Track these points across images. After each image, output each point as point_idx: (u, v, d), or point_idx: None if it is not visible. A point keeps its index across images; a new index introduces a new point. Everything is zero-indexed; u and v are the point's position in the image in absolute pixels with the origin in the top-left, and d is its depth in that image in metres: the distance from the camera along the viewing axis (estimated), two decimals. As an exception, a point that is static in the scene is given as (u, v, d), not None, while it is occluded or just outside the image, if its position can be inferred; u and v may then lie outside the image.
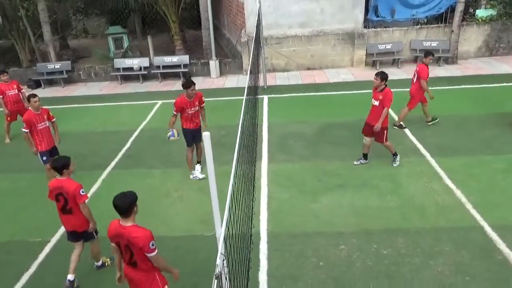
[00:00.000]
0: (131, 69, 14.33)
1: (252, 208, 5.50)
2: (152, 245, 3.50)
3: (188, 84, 6.72)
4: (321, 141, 8.53)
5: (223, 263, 2.29)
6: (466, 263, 4.97)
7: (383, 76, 6.72)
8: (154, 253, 3.56)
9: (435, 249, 5.20)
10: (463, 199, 6.18)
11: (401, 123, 8.96)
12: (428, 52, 8.60)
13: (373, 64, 14.02)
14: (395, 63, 14.13)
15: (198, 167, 7.39)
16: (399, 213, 6.00)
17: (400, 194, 6.48)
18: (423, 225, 5.69)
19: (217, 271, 2.10)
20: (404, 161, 7.40)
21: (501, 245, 5.20)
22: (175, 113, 6.88)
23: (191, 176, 7.30)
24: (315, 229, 5.75)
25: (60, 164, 4.71)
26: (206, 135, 2.39)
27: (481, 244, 5.26)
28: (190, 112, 6.91)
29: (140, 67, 14.30)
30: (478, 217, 5.78)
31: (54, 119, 7.12)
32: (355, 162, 7.38)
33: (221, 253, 2.28)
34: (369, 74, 13.37)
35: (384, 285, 4.70)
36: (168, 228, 5.96)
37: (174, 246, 5.56)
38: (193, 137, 7.09)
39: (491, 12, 13.95)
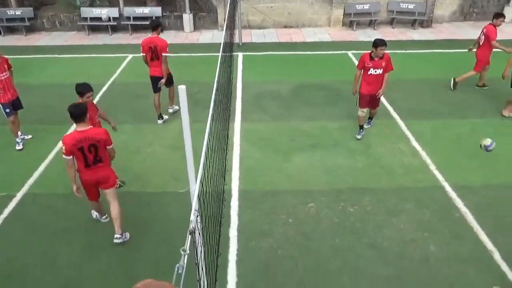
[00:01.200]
0: (99, 19, 13.56)
1: (225, 165, 5.54)
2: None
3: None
4: (296, 101, 8.53)
5: (196, 219, 2.31)
6: (427, 220, 5.26)
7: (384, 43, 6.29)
8: (112, 145, 4.45)
9: (398, 208, 5.47)
10: (428, 161, 6.44)
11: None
12: (499, 14, 8.31)
13: (350, 24, 13.89)
14: (371, 24, 14.04)
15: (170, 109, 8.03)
16: (367, 173, 6.20)
17: (369, 154, 6.66)
18: (389, 184, 5.92)
19: (191, 227, 2.13)
20: (375, 123, 7.56)
21: (459, 204, 5.52)
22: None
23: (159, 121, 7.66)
24: (286, 188, 5.88)
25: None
26: (182, 89, 2.32)
27: (442, 203, 5.56)
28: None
29: (109, 18, 13.55)
30: (440, 177, 6.06)
31: (11, 68, 6.68)
32: (358, 137, 7.04)
33: (195, 210, 2.29)
34: (346, 35, 13.30)
35: (349, 240, 4.93)
36: (140, 184, 5.94)
37: (146, 201, 5.58)
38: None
39: (469, -24, 13.92)
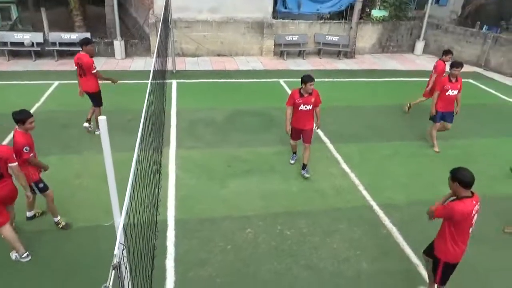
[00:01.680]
0: (21, 44, 12.75)
1: (158, 195, 5.37)
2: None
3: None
4: (230, 128, 8.62)
5: (122, 253, 2.20)
6: (358, 238, 5.51)
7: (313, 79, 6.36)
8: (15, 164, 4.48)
9: (332, 228, 5.67)
10: (357, 182, 6.81)
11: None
12: (447, 51, 8.94)
13: (281, 54, 14.53)
14: (301, 54, 14.82)
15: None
16: (302, 196, 6.38)
17: (303, 178, 6.88)
18: (323, 206, 6.14)
19: (115, 261, 2.01)
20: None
21: (386, 221, 5.87)
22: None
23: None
24: (223, 214, 5.84)
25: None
26: (101, 120, 2.24)
27: (370, 221, 5.87)
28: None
29: (33, 43, 12.81)
30: (368, 197, 6.42)
31: None
32: (291, 161, 7.22)
33: (120, 243, 2.18)
34: (277, 63, 13.87)
35: (286, 263, 4.98)
36: (69, 218, 5.52)
37: (75, 238, 5.19)
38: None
39: (384, 13, 15.39)
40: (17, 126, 4.84)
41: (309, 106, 6.47)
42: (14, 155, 4.51)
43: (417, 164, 7.52)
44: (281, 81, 11.91)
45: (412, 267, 5.05)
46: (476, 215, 3.87)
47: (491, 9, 17.58)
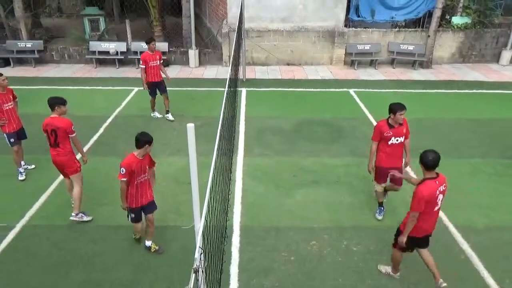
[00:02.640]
0: (107, 53, 13.92)
1: (228, 201, 5.50)
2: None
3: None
4: (298, 137, 8.60)
5: (200, 257, 2.28)
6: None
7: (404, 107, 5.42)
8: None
9: (402, 247, 5.37)
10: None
11: None
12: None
13: (352, 63, 14.22)
14: (372, 63, 14.38)
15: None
16: (369, 211, 6.15)
17: (370, 191, 6.63)
18: (392, 223, 5.83)
19: (195, 265, 2.09)
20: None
21: (464, 245, 5.43)
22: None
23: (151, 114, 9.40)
24: (288, 224, 5.82)
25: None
26: (190, 127, 2.36)
27: (446, 244, 5.47)
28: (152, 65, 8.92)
29: (117, 52, 13.92)
30: (444, 217, 6.00)
31: (16, 98, 6.82)
32: (378, 217, 6.02)
33: (199, 247, 2.27)
34: (348, 73, 13.60)
35: (352, 280, 4.82)
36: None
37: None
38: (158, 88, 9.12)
39: (466, 20, 14.40)
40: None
41: (401, 138, 5.50)
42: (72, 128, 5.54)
43: (501, 184, 6.89)
44: (351, 91, 11.64)
45: (494, 298, 4.61)
46: (441, 195, 4.20)
47: None
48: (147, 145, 4.71)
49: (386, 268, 4.98)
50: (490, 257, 5.21)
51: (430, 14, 14.11)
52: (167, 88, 9.24)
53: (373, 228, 5.74)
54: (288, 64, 14.39)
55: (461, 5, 14.38)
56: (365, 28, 14.49)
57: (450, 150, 8.08)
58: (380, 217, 6.01)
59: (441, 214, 6.07)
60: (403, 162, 5.72)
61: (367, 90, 11.79)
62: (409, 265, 4.99)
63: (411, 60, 14.24)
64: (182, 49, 14.56)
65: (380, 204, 6.06)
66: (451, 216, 6.02)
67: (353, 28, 14.36)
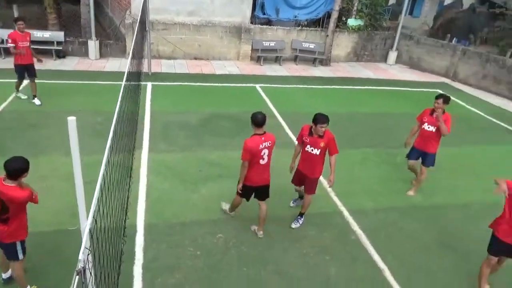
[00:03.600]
0: (-11, 40, 12.32)
1: (128, 199, 5.30)
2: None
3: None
4: (204, 131, 8.60)
5: (87, 258, 2.17)
6: (328, 244, 5.59)
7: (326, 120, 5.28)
8: None
9: (302, 234, 5.74)
10: (329, 188, 6.90)
11: None
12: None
13: (258, 59, 14.62)
14: (277, 60, 14.96)
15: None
16: (273, 201, 6.38)
17: (275, 183, 6.90)
18: (294, 212, 6.19)
19: (79, 266, 1.98)
20: (282, 153, 7.91)
21: (355, 227, 5.99)
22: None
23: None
24: (194, 219, 5.81)
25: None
26: (71, 120, 2.21)
27: (340, 227, 5.97)
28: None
29: (2, 40, 12.39)
30: (339, 203, 6.54)
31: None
32: (291, 204, 6.35)
33: (85, 247, 2.15)
34: (254, 69, 13.94)
35: (256, 268, 5.00)
36: (32, 223, 5.35)
37: (39, 243, 5.03)
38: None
39: (360, 22, 15.75)
40: None
41: (316, 150, 5.38)
42: None
43: (387, 171, 7.72)
44: (257, 86, 11.98)
45: (379, 272, 5.16)
46: (266, 150, 5.01)
47: (460, 22, 18.30)
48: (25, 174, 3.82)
49: (226, 206, 5.93)
50: (377, 236, 5.82)
51: (329, 15, 15.14)
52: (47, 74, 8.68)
53: (277, 218, 6.00)
54: (195, 59, 14.27)
55: (355, 8, 15.68)
56: (270, 25, 15.01)
57: (346, 142, 8.76)
58: (292, 204, 6.39)
59: (335, 199, 6.61)
60: (328, 179, 5.62)
61: (272, 85, 12.25)
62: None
63: (312, 57, 15.13)
64: (80, 40, 13.53)
65: (299, 197, 6.28)
66: (345, 201, 6.57)
67: (259, 25, 14.76)
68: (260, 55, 14.49)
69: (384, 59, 16.64)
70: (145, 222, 5.62)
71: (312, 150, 5.42)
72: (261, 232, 5.55)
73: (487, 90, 13.93)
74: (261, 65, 14.41)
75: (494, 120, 11.21)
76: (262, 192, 5.41)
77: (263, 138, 4.97)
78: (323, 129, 5.26)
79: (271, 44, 14.69)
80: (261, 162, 5.06)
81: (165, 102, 10.06)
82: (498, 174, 7.99)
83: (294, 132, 8.96)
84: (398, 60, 16.60)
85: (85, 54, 13.30)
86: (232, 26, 14.19)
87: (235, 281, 4.78)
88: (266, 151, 5.03)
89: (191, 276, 4.79)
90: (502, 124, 10.97)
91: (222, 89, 11.58)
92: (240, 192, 5.37)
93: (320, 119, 5.24)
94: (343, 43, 15.85)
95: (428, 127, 6.42)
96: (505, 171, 8.18)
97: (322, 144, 5.34)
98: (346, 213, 6.33)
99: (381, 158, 8.20)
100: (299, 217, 5.94)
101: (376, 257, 5.42)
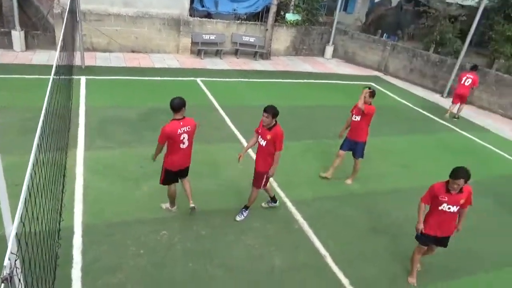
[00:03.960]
0: None
1: (62, 200, 5.00)
2: None
3: None
4: (144, 126, 8.34)
5: (15, 264, 2.02)
6: (272, 235, 5.71)
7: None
8: None
9: (247, 226, 5.81)
10: (271, 179, 7.04)
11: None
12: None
13: (198, 52, 14.42)
14: (218, 53, 14.87)
15: None
16: (218, 195, 6.43)
17: (218, 177, 6.93)
18: (238, 205, 6.24)
19: (4, 273, 1.84)
20: (224, 147, 7.94)
21: (298, 216, 6.18)
22: None
23: None
24: (136, 217, 5.64)
25: None
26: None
27: (283, 217, 6.13)
28: None
29: None
30: (282, 194, 6.69)
31: None
32: None
33: (11, 253, 2.00)
34: (194, 62, 13.74)
35: (201, 263, 4.99)
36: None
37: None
38: None
39: (297, 17, 16.12)
40: None
41: (263, 141, 5.49)
42: None
43: (327, 162, 8.02)
44: (198, 80, 11.84)
45: (321, 258, 5.38)
46: (185, 134, 5.15)
47: (390, 19, 19.42)
48: None
49: (166, 205, 5.84)
50: (317, 224, 6.06)
51: (267, 10, 15.30)
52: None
53: (222, 212, 6.01)
54: (132, 51, 13.74)
55: (293, 3, 16.00)
56: (210, 18, 14.85)
57: (287, 134, 8.75)
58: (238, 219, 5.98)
59: (279, 191, 6.76)
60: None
61: (214, 79, 12.17)
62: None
63: (252, 51, 15.24)
64: (2, 30, 12.41)
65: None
66: (288, 192, 6.75)
67: (198, 18, 14.55)
68: (200, 49, 14.30)
69: (322, 53, 17.21)
70: (83, 223, 5.34)
71: (261, 141, 5.55)
72: (193, 205, 5.63)
73: (414, 83, 14.98)
74: (201, 59, 14.23)
75: (420, 110, 12.10)
76: (183, 173, 5.60)
77: (181, 123, 5.12)
78: (268, 119, 5.36)
79: (211, 38, 14.55)
80: (182, 146, 5.23)
81: (101, 97, 9.58)
82: (424, 161, 8.71)
83: (237, 125, 9.01)
84: (335, 54, 17.26)
85: (9, 45, 12.23)
86: (170, 19, 13.83)
87: (180, 277, 4.73)
88: (185, 136, 5.18)
89: (134, 275, 4.66)
90: (427, 114, 11.88)
91: (161, 83, 11.28)
92: (163, 180, 5.49)
93: (265, 110, 5.41)
94: (282, 37, 16.14)
95: (355, 118, 6.84)
96: (431, 158, 8.91)
97: (268, 137, 5.43)
98: (289, 203, 6.50)
99: (321, 149, 8.51)
100: (243, 209, 6.00)
101: (318, 244, 5.65)
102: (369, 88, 6.67)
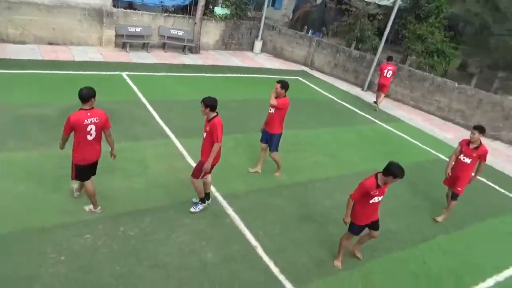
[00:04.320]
0: None
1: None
2: None
3: None
4: (63, 124, 7.77)
5: None
6: (203, 230, 5.71)
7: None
8: None
9: (177, 223, 5.73)
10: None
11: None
12: None
13: (123, 45, 13.80)
14: (145, 47, 14.36)
15: None
16: (145, 194, 6.25)
17: (147, 175, 6.74)
18: (168, 202, 6.14)
19: None
20: (152, 143, 7.73)
21: (229, 210, 6.24)
22: None
23: None
24: (57, 222, 5.29)
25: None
26: None
27: (215, 212, 6.15)
28: None
29: None
30: (213, 189, 6.68)
31: None
32: None
33: None
34: (119, 56, 13.13)
35: (130, 265, 4.83)
36: None
37: None
38: None
39: (226, 11, 16.10)
40: None
41: (204, 133, 5.68)
42: None
43: (256, 155, 8.17)
44: (124, 74, 11.34)
45: (252, 249, 5.50)
46: (93, 125, 5.04)
47: (315, 16, 20.22)
48: None
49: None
50: (248, 216, 6.17)
51: (196, 3, 15.07)
52: None
53: (150, 210, 5.86)
54: (50, 44, 12.75)
55: (221, -3, 15.95)
56: (135, 10, 14.26)
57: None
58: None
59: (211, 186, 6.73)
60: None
61: (141, 73, 11.75)
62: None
63: (181, 45, 14.95)
64: None
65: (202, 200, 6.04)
66: (219, 186, 6.76)
67: (123, 9, 13.90)
68: (125, 41, 13.69)
69: (251, 47, 17.40)
70: (-6, 232, 4.89)
71: (203, 133, 5.67)
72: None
73: (338, 77, 15.79)
74: (127, 52, 13.64)
75: (344, 103, 12.80)
76: (93, 168, 5.46)
77: (89, 114, 5.01)
78: (205, 111, 5.55)
79: (137, 30, 13.99)
80: (89, 138, 5.09)
81: (13, 93, 8.79)
82: (348, 150, 9.25)
83: (166, 121, 8.81)
84: (264, 49, 17.56)
85: None
86: (92, 9, 13.04)
87: (106, 281, 4.55)
88: (93, 127, 5.04)
89: (53, 283, 4.37)
90: (350, 107, 12.61)
91: (83, 77, 10.61)
92: (75, 174, 5.29)
93: (201, 101, 5.60)
94: (212, 31, 16.04)
95: (270, 110, 6.95)
96: (353, 148, 9.49)
97: (207, 128, 5.53)
98: (220, 198, 6.53)
99: (251, 143, 8.64)
100: (199, 202, 6.01)
101: (249, 236, 5.76)
102: (279, 82, 6.71)
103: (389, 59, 12.60)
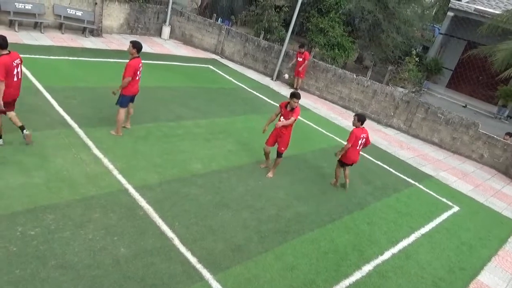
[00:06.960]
0: None
1: None
2: None
3: None
4: None
5: None
6: (114, 224, 5.41)
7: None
8: None
9: (85, 218, 5.34)
10: (110, 166, 6.62)
11: None
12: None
13: (11, 24, 12.20)
14: (37, 27, 12.88)
15: None
16: (46, 189, 5.69)
17: (47, 168, 6.13)
18: (73, 197, 5.68)
19: None
20: (52, 134, 7.04)
21: (142, 202, 6.00)
22: None
23: None
24: None
25: None
26: None
27: (127, 205, 5.86)
28: None
29: None
30: (123, 181, 6.36)
31: None
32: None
33: None
34: (7, 35, 11.47)
35: (32, 267, 4.39)
36: None
37: None
38: None
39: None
40: None
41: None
42: None
43: (169, 144, 7.97)
44: (13, 56, 10.04)
45: (168, 241, 5.38)
46: (17, 67, 5.77)
47: (223, 3, 20.17)
48: None
49: None
50: (163, 207, 6.01)
51: (96, -19, 13.92)
52: None
53: (52, 207, 5.36)
54: None
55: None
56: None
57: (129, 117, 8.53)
58: None
59: (119, 177, 6.41)
60: None
61: (34, 56, 10.54)
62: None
63: (81, 26, 13.75)
64: None
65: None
66: (129, 178, 6.45)
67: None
68: (12, 19, 12.10)
69: (159, 33, 16.73)
70: None
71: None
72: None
73: (248, 66, 16.05)
74: (16, 31, 12.09)
75: (254, 92, 13.10)
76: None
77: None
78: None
79: (26, 7, 12.44)
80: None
81: None
82: (259, 138, 9.51)
83: (67, 109, 8.08)
84: (172, 35, 17.02)
85: None
86: (-33, -21, 11.24)
87: (6, 287, 4.06)
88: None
89: None
90: (260, 95, 12.95)
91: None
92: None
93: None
94: (115, 14, 15.01)
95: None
96: (265, 136, 9.78)
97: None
98: (132, 190, 6.23)
99: (162, 132, 8.38)
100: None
101: (164, 227, 5.61)
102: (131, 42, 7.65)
103: (302, 46, 14.11)
